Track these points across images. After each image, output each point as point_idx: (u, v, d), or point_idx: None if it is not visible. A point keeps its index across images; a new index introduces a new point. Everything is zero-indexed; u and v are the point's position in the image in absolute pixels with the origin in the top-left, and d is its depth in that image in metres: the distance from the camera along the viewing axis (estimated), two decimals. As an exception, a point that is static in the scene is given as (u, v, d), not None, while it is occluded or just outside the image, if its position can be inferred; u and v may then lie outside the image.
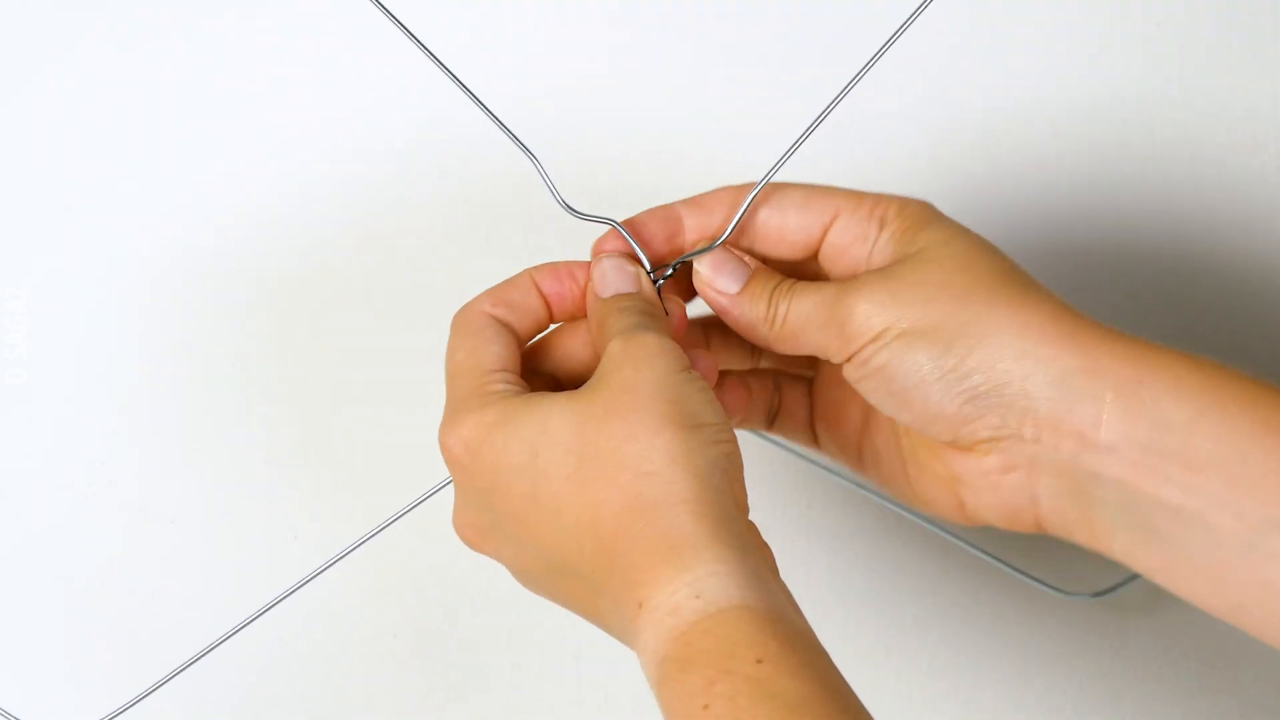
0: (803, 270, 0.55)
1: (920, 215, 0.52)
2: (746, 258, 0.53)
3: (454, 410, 0.49)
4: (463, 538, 0.51)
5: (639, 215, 0.53)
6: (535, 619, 0.67)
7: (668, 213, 0.54)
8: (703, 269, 0.53)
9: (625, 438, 0.45)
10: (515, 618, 0.67)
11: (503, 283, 0.52)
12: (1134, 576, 0.64)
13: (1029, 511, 0.51)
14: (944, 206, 0.52)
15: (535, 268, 0.52)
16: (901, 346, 0.49)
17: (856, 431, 0.56)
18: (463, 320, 0.51)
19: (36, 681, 0.67)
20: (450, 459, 0.49)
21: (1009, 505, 0.51)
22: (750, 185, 0.53)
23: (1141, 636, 0.68)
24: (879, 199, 0.53)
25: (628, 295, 0.51)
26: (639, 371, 0.47)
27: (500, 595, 0.67)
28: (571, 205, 0.52)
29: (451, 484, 0.51)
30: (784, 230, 0.53)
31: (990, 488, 0.51)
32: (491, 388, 0.49)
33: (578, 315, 0.53)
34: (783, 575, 0.68)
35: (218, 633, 0.56)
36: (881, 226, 0.52)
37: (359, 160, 0.67)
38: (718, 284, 0.52)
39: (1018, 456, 0.50)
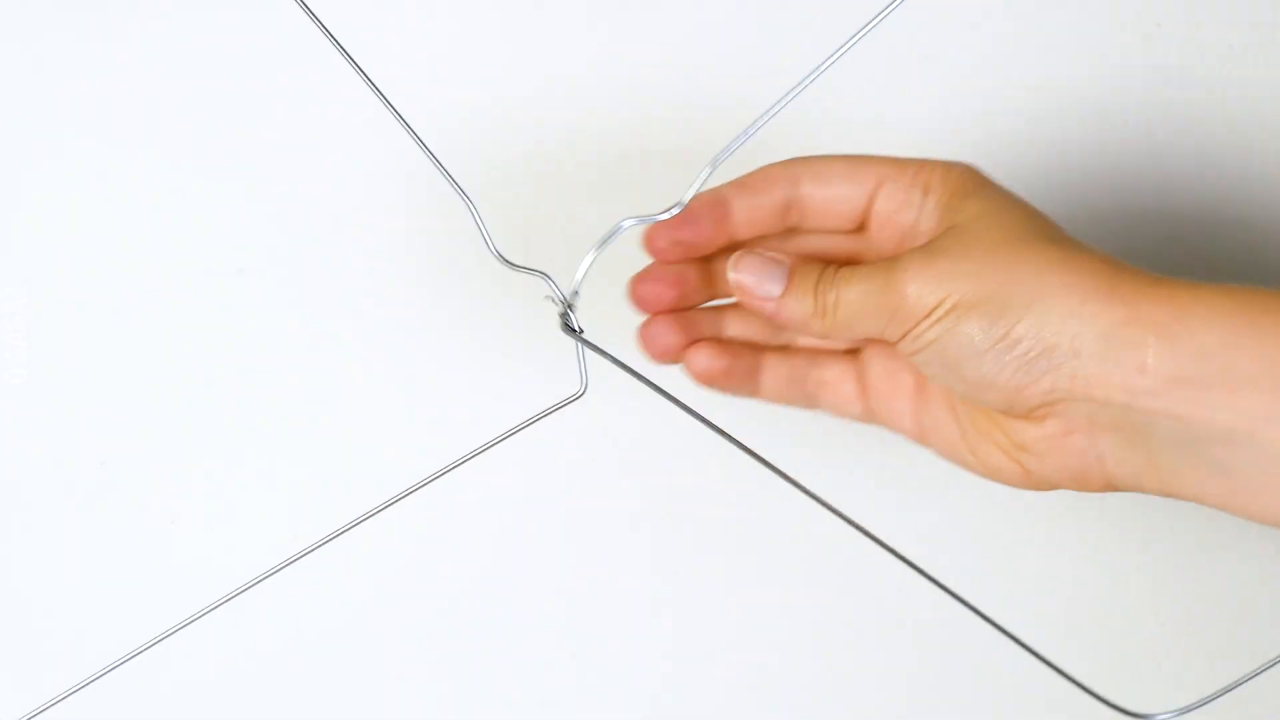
0: (851, 242, 0.55)
1: (964, 182, 0.53)
2: (779, 255, 0.53)
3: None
4: None
5: (691, 202, 0.53)
6: (535, 618, 0.67)
7: (716, 195, 0.54)
8: (744, 278, 0.53)
9: None
10: (516, 616, 0.67)
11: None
12: (1195, 706, 0.62)
13: (1096, 471, 0.52)
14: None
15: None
16: (953, 320, 0.50)
17: (912, 402, 0.56)
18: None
19: (36, 683, 0.67)
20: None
21: (1075, 467, 0.52)
22: (796, 160, 0.54)
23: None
24: (922, 165, 0.54)
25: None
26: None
27: (499, 593, 0.67)
28: (505, 256, 0.52)
29: (443, 479, 0.51)
30: (831, 202, 0.54)
31: (1054, 452, 0.52)
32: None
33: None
34: (782, 584, 0.68)
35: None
36: (926, 193, 0.53)
37: (361, 160, 0.67)
38: (761, 290, 0.53)
39: (1075, 417, 0.51)
